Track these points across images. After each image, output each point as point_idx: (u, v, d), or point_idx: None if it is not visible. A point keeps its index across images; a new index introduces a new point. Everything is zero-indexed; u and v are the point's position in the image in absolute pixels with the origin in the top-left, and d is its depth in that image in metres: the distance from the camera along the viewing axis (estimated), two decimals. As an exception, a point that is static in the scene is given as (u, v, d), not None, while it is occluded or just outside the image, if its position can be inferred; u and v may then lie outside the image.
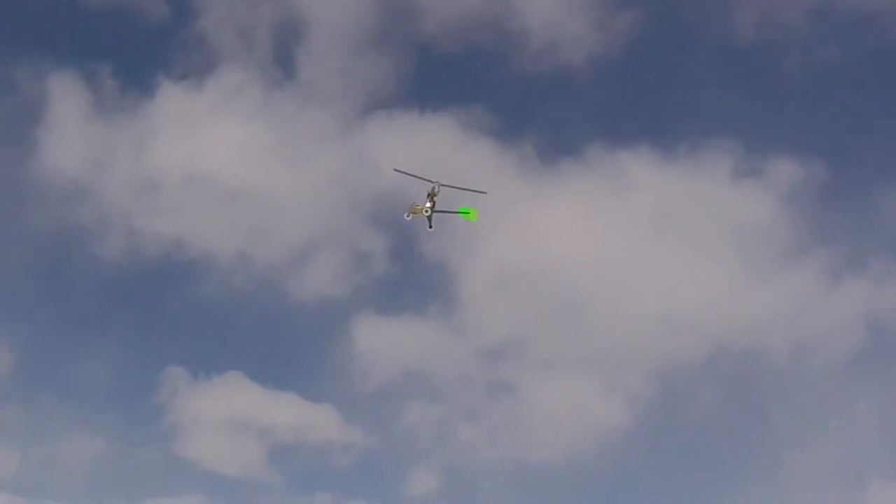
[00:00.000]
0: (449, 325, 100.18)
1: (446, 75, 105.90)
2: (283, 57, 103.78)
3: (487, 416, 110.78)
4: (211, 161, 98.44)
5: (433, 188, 17.11)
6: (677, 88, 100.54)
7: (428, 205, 16.58)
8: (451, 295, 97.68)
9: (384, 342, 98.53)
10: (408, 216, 15.83)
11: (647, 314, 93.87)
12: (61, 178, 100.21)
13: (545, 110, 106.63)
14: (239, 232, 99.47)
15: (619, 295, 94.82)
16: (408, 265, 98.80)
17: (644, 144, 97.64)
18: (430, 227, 16.36)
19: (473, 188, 20.19)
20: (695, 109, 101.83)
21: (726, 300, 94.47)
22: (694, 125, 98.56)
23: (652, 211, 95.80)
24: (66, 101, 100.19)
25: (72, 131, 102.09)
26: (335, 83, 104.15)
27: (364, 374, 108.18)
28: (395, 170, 16.57)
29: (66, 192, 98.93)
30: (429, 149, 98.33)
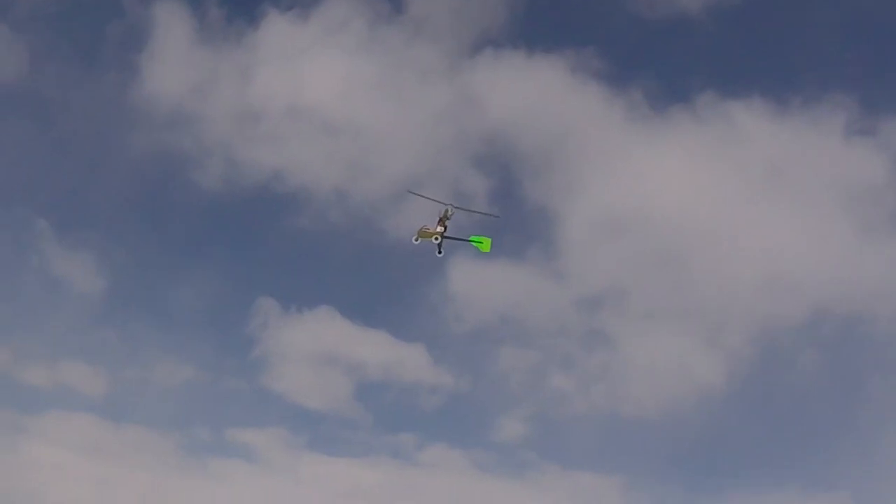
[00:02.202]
0: (547, 271, 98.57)
1: (559, 16, 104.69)
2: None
3: (582, 365, 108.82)
4: (314, 93, 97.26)
5: (446, 211, 15.08)
6: (794, 40, 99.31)
7: (439, 229, 14.50)
8: (551, 241, 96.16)
9: (480, 285, 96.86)
10: (416, 240, 14.06)
11: (751, 272, 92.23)
12: (163, 105, 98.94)
13: (658, 57, 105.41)
14: (339, 166, 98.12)
15: (723, 250, 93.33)
16: (508, 208, 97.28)
17: (757, 96, 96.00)
18: (440, 252, 14.18)
19: (487, 212, 17.73)
20: (811, 62, 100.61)
21: (833, 262, 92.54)
22: (809, 79, 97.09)
23: (761, 166, 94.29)
24: (171, 27, 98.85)
25: (176, 58, 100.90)
26: (444, 19, 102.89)
27: (457, 317, 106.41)
28: (409, 191, 14.73)
29: (167, 119, 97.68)
30: (536, 91, 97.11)
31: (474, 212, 12.91)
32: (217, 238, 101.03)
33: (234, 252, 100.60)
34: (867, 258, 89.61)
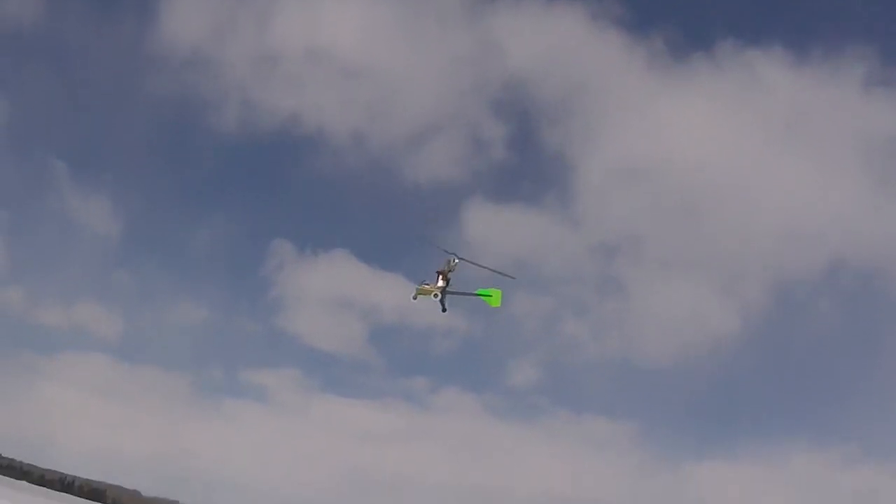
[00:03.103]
0: (563, 217, 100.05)
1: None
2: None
3: (595, 312, 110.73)
4: (332, 37, 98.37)
5: (448, 261, 13.86)
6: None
7: (440, 284, 13.59)
8: (568, 187, 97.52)
9: (495, 230, 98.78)
10: (414, 298, 13.39)
11: (767, 222, 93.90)
12: (181, 49, 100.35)
13: (679, 4, 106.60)
14: (356, 110, 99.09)
15: (740, 200, 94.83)
16: (526, 154, 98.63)
17: (777, 46, 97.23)
18: (444, 309, 13.27)
19: (501, 271, 15.40)
20: (832, 13, 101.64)
21: (850, 215, 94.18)
22: (830, 29, 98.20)
23: (780, 116, 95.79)
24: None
25: (193, 2, 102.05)
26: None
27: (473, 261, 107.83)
28: (420, 236, 13.59)
29: (185, 63, 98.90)
30: (556, 38, 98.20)
31: (485, 268, 12.35)
32: (233, 181, 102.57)
33: (250, 195, 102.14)
34: (885, 211, 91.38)
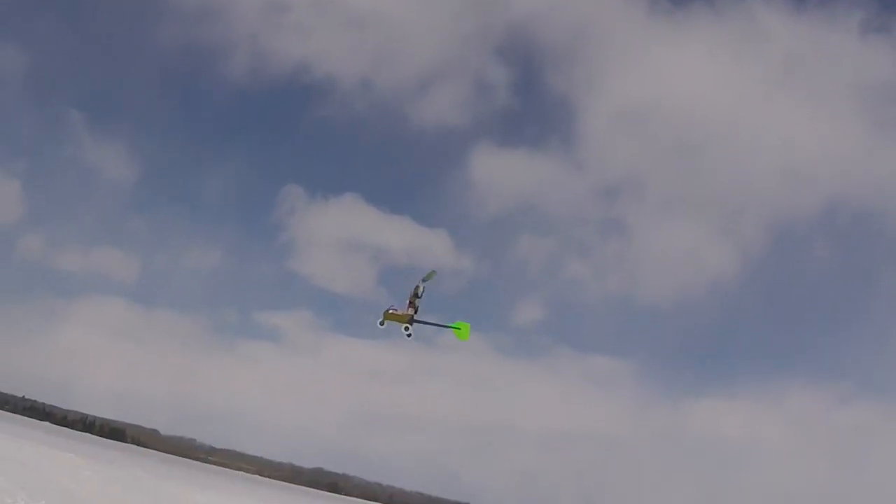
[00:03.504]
0: (566, 160, 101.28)
1: None
2: None
3: (598, 253, 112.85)
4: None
5: (416, 288, 13.40)
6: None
7: (410, 311, 13.21)
8: (571, 131, 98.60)
9: (500, 173, 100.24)
10: (381, 323, 13.01)
11: (765, 164, 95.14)
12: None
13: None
14: (364, 56, 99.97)
15: (739, 143, 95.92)
16: (530, 99, 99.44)
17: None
18: (409, 334, 12.79)
19: (447, 324, 14.65)
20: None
21: (846, 157, 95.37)
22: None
23: (778, 61, 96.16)
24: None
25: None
26: None
27: (478, 204, 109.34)
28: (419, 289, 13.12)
29: (196, 11, 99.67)
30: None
31: (434, 325, 12.18)
32: (244, 128, 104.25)
33: (261, 141, 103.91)
34: (880, 154, 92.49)
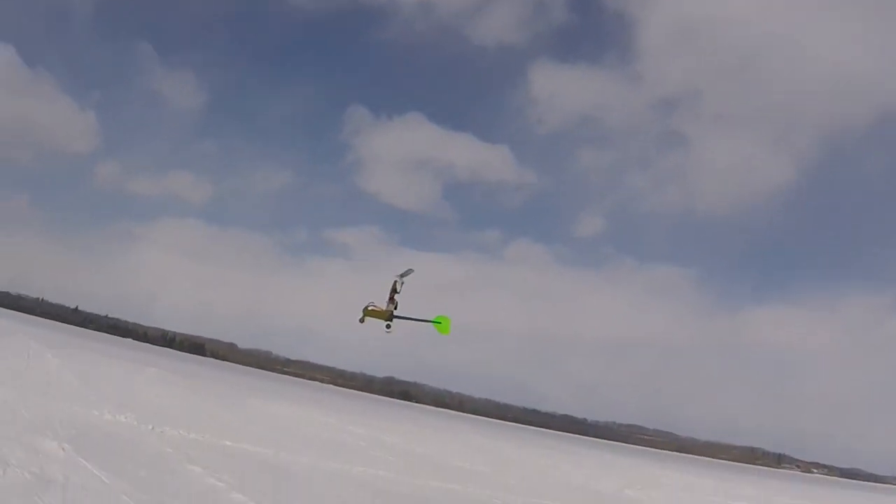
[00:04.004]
0: (624, 74, 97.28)
1: None
2: None
3: (657, 165, 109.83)
4: None
5: (395, 283, 11.41)
6: None
7: (390, 307, 11.21)
8: (629, 45, 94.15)
9: (560, 88, 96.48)
10: (361, 320, 11.14)
11: (820, 76, 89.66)
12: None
13: None
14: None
15: (794, 55, 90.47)
16: (587, 15, 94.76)
17: None
18: (389, 328, 10.95)
19: (426, 319, 12.63)
20: None
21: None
22: None
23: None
24: None
25: None
26: None
27: (539, 119, 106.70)
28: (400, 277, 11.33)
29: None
30: None
31: (413, 319, 11.01)
32: (309, 51, 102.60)
33: (325, 64, 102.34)
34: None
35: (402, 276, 13.21)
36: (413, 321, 11.98)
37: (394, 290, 12.78)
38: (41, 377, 34.18)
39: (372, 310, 11.77)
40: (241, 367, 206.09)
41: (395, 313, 12.42)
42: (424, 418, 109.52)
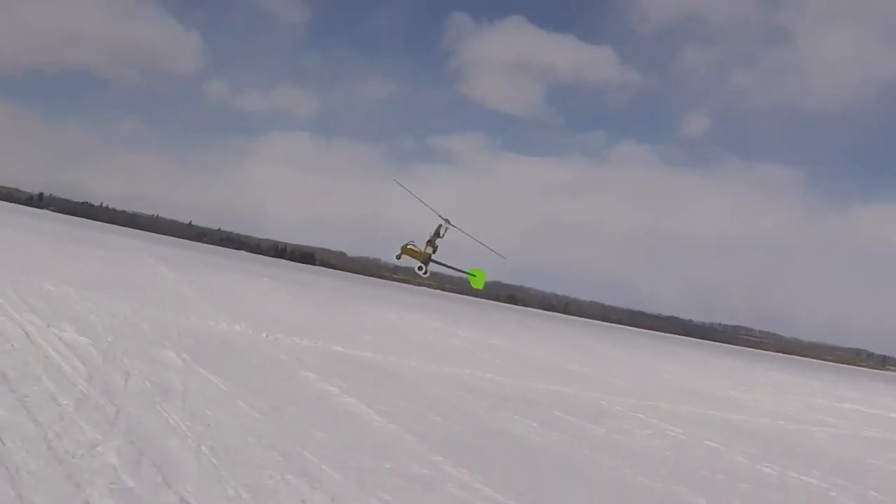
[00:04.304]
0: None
1: None
2: None
3: (763, 62, 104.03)
4: None
5: (439, 228, 9.53)
6: None
7: (428, 250, 9.37)
8: None
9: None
10: (398, 257, 9.38)
11: None
12: None
13: None
14: None
15: None
16: None
17: None
18: (425, 272, 9.21)
19: (492, 248, 10.95)
20: None
21: None
22: None
23: None
24: None
25: None
26: None
27: (642, 18, 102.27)
28: (395, 181, 9.35)
29: None
30: None
31: (453, 268, 10.11)
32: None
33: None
34: None
35: (447, 221, 12.36)
36: (448, 268, 11.34)
37: (437, 234, 11.98)
38: (158, 291, 35.54)
39: (410, 248, 11.17)
40: (350, 274, 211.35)
41: (434, 258, 11.68)
42: (530, 321, 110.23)
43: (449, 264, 10.69)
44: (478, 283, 9.70)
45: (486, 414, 19.00)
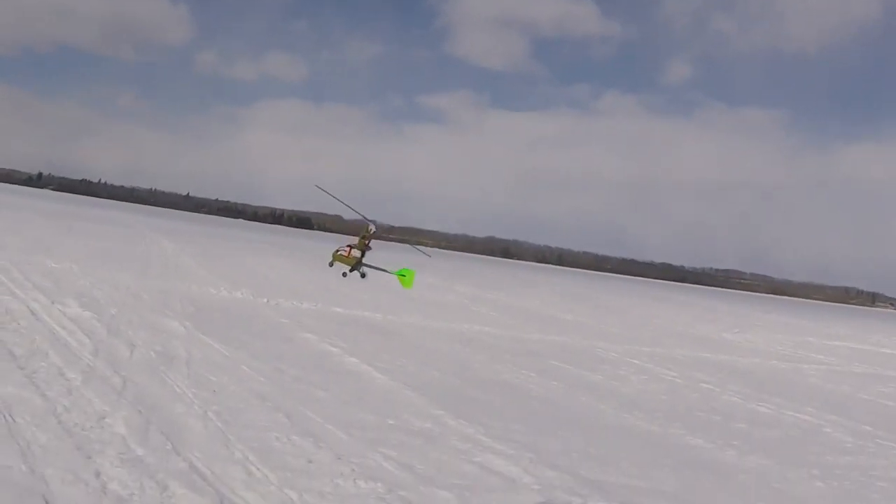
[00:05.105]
0: None
1: None
2: None
3: (742, 6, 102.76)
4: None
5: (366, 229, 8.95)
6: None
7: (356, 253, 8.84)
8: None
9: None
10: (330, 264, 8.88)
11: None
12: None
13: None
14: None
15: None
16: None
17: None
18: (347, 273, 8.65)
19: (419, 246, 10.49)
20: None
21: None
22: None
23: None
24: None
25: None
26: None
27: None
28: (318, 186, 8.74)
29: None
30: None
31: (381, 270, 9.83)
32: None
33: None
34: None
35: (375, 223, 11.64)
36: (377, 269, 10.94)
37: (363, 237, 11.29)
38: (160, 263, 35.53)
39: (340, 255, 10.84)
40: (347, 237, 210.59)
41: (364, 261, 11.15)
42: (525, 274, 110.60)
43: (376, 266, 10.45)
44: (407, 283, 9.47)
45: (484, 366, 19.12)
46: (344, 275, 9.25)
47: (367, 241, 10.30)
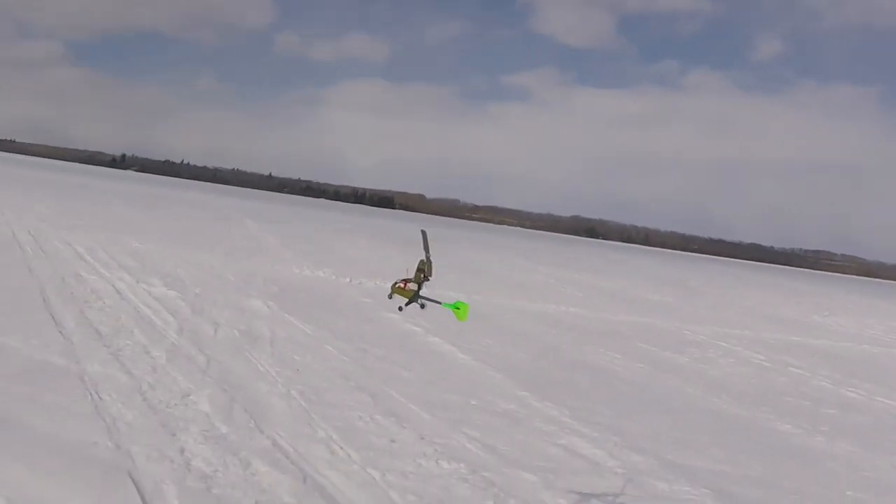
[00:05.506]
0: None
1: None
2: None
3: None
4: None
5: (421, 262, 7.63)
6: None
7: (413, 286, 7.51)
8: None
9: None
10: (389, 296, 7.57)
11: None
12: None
13: None
14: None
15: None
16: None
17: None
18: (403, 308, 7.34)
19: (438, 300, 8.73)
20: None
21: None
22: None
23: None
24: None
25: None
26: None
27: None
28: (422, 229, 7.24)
29: None
30: None
31: (434, 301, 9.20)
32: None
33: None
34: None
35: (425, 247, 10.95)
36: (432, 301, 10.46)
37: (419, 270, 10.67)
38: (243, 243, 36.11)
39: (399, 287, 10.39)
40: (429, 216, 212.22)
41: (421, 294, 10.61)
42: (611, 254, 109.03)
43: (432, 298, 10.06)
44: (462, 316, 9.10)
45: (570, 347, 18.77)
46: (400, 308, 9.00)
47: (423, 275, 9.97)
